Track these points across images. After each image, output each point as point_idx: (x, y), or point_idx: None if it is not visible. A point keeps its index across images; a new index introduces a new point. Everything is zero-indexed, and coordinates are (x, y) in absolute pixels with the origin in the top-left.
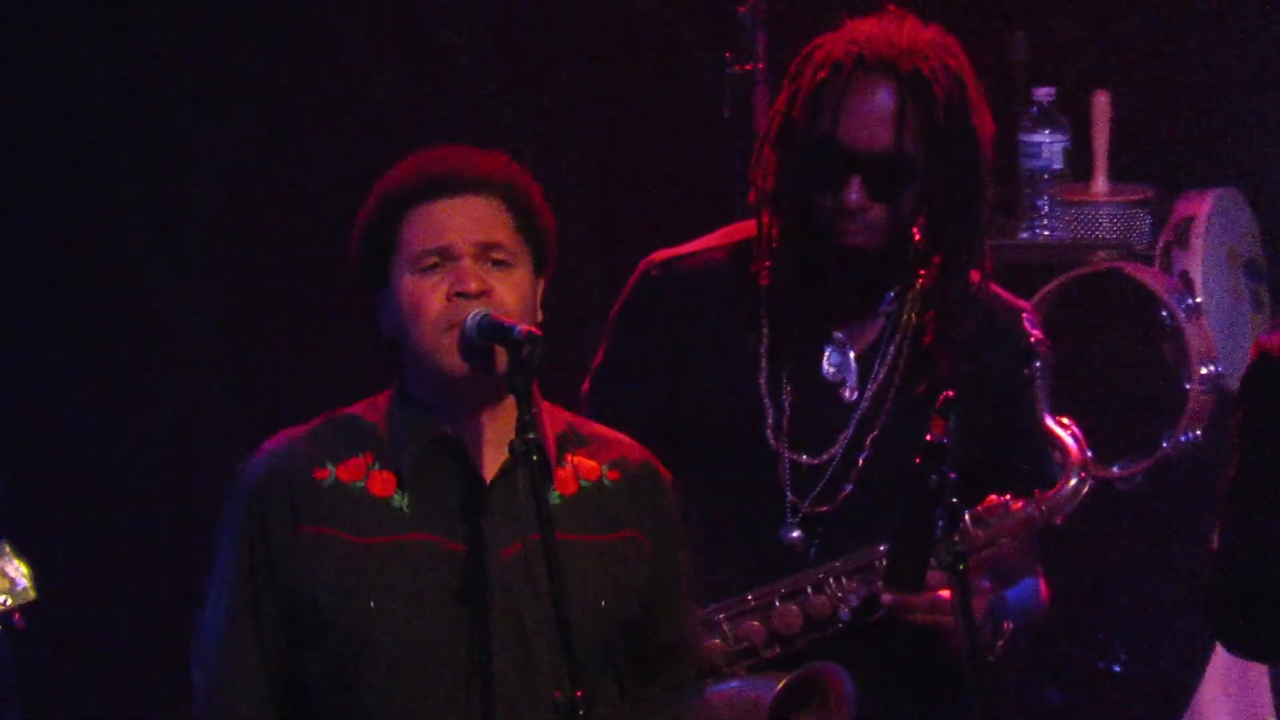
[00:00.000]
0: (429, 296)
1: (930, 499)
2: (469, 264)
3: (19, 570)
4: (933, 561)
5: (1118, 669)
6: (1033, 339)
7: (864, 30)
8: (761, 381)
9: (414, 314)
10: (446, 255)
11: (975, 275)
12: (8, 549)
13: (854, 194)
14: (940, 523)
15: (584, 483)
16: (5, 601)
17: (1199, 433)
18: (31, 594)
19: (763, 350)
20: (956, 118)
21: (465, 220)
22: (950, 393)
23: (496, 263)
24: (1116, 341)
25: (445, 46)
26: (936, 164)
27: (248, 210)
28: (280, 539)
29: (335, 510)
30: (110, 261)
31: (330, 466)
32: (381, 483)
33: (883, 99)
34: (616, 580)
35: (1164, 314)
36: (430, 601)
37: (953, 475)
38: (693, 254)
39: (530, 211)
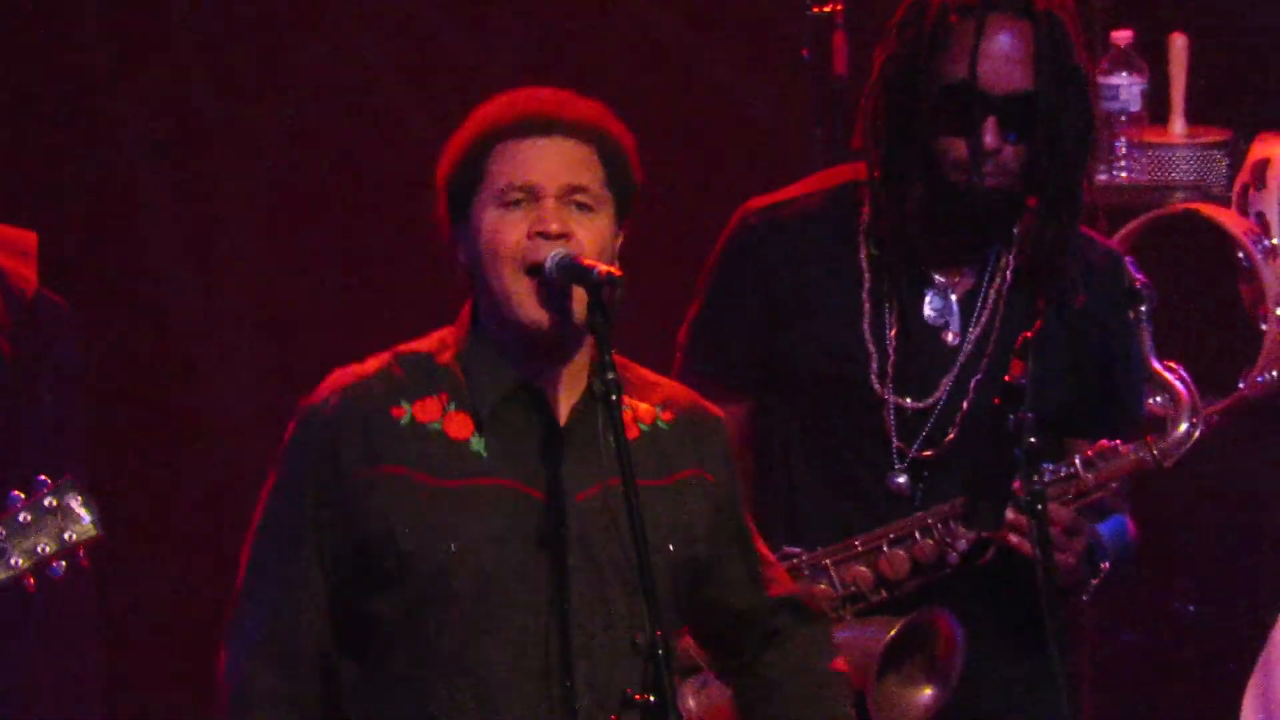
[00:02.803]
0: (509, 232)
1: (1008, 439)
2: (552, 204)
3: (85, 507)
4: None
5: (1192, 609)
6: (1138, 283)
7: None
8: (865, 326)
9: (492, 249)
10: (531, 193)
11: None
12: (74, 486)
13: (990, 136)
14: (1019, 462)
15: (643, 427)
16: (71, 537)
17: (1276, 373)
18: (95, 530)
19: (864, 295)
20: (1082, 55)
21: (553, 160)
22: (1029, 333)
23: (580, 206)
24: (1193, 283)
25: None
26: (1060, 103)
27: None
28: (355, 478)
29: (413, 450)
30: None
31: (406, 405)
32: (458, 425)
33: (1020, 39)
34: (682, 524)
35: (1241, 255)
36: (509, 545)
37: (1029, 415)
38: (789, 200)
39: (621, 162)
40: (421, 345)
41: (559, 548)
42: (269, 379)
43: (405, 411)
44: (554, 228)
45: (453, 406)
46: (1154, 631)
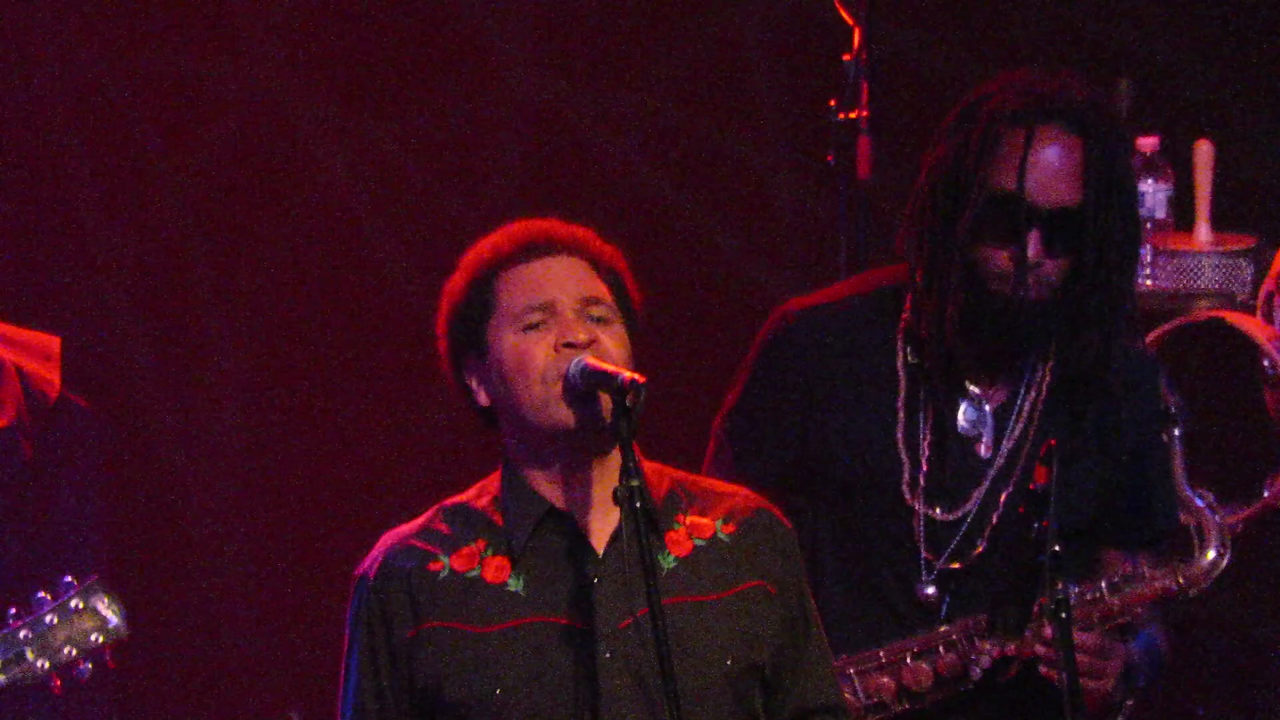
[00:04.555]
0: (535, 351)
1: (1033, 547)
2: (572, 316)
3: (111, 609)
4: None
5: (1204, 712)
6: (1174, 405)
7: (1037, 82)
8: (898, 434)
9: (520, 369)
10: (549, 311)
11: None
12: (100, 588)
13: (1034, 248)
14: (1043, 570)
15: (698, 541)
16: (97, 639)
17: None
18: (124, 632)
19: (899, 402)
20: (1128, 172)
21: (565, 276)
22: (1053, 441)
23: (596, 318)
24: (1218, 390)
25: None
26: (1106, 218)
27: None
28: (403, 638)
29: (453, 602)
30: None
31: (444, 559)
32: (495, 569)
33: (1069, 153)
34: (743, 635)
35: (1266, 363)
36: (555, 681)
37: (1048, 523)
38: (830, 302)
39: (619, 279)
40: (464, 495)
41: (605, 677)
42: (255, 489)
43: (443, 565)
44: (581, 337)
45: (489, 551)
46: None
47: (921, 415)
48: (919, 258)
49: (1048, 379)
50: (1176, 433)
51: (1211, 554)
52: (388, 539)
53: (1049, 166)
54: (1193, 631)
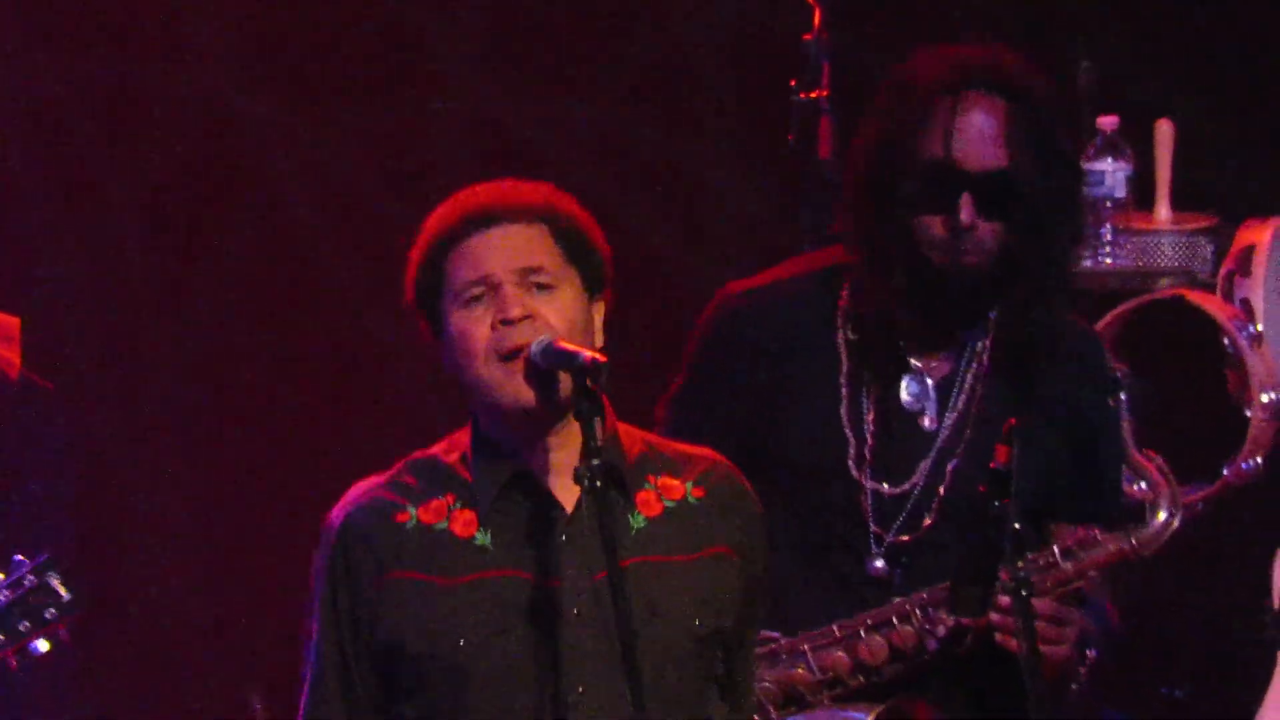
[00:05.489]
0: (476, 328)
1: (994, 525)
2: (510, 290)
3: (65, 585)
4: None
5: (1179, 694)
6: (1119, 372)
7: (962, 52)
8: (842, 412)
9: (464, 347)
10: (488, 284)
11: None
12: (54, 564)
13: (966, 212)
14: (1005, 548)
15: (669, 503)
16: (53, 614)
17: (1260, 460)
18: (76, 608)
19: (842, 379)
20: (1062, 139)
21: (502, 248)
22: (1014, 420)
23: (540, 286)
24: (1178, 369)
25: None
26: (1040, 184)
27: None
28: (368, 588)
29: (419, 553)
30: None
31: (411, 510)
32: (463, 523)
33: (995, 117)
34: (710, 598)
35: (1226, 342)
36: (518, 636)
37: (1008, 501)
38: (770, 284)
39: (576, 235)
40: (434, 449)
41: (568, 634)
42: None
43: (410, 516)
44: (515, 313)
45: (458, 505)
46: (1141, 715)
47: (864, 391)
48: (858, 234)
49: (989, 350)
50: (1123, 398)
51: (1163, 515)
52: (356, 489)
53: (975, 130)
54: (1167, 613)
